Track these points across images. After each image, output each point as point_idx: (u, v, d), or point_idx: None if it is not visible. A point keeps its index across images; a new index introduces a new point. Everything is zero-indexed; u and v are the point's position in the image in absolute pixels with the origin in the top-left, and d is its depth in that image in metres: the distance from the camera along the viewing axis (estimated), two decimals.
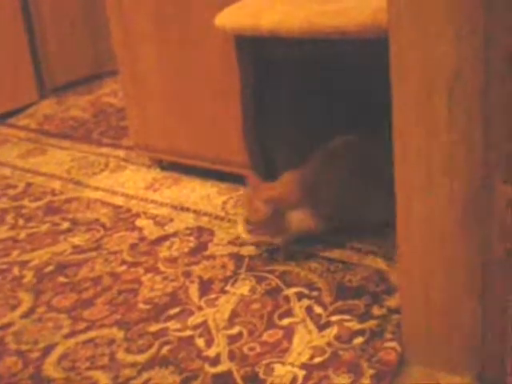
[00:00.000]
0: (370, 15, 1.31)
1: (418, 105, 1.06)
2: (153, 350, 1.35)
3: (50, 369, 1.33)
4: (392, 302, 1.40)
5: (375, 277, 1.50)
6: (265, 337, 1.35)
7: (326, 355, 1.28)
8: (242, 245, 1.68)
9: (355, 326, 1.35)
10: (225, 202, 1.93)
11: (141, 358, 1.34)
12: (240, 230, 1.60)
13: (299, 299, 1.45)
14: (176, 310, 1.47)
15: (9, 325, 1.48)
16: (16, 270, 1.70)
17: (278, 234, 1.60)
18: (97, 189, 2.13)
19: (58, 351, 1.38)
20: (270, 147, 1.75)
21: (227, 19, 1.55)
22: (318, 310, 1.41)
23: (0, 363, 1.36)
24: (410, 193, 1.13)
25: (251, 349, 1.32)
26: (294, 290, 1.49)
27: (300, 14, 1.41)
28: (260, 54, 1.59)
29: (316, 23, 1.37)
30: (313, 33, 1.39)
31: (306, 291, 1.48)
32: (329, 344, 1.31)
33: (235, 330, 1.38)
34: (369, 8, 1.32)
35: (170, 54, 1.98)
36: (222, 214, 1.87)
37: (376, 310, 1.39)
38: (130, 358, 1.34)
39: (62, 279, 1.64)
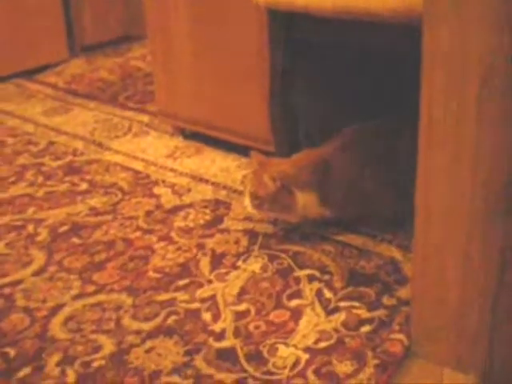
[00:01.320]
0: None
1: (447, 93, 1.03)
2: (159, 319, 1.35)
3: (55, 329, 1.34)
4: (403, 292, 1.38)
5: (388, 265, 1.48)
6: (272, 316, 1.35)
7: (332, 341, 1.27)
8: (257, 221, 1.67)
9: (364, 313, 1.34)
10: (245, 177, 1.91)
11: (146, 325, 1.34)
12: (246, 203, 1.58)
13: (310, 281, 1.44)
14: (186, 281, 1.47)
15: (19, 282, 1.49)
16: (31, 228, 1.70)
17: (283, 212, 1.57)
18: (118, 152, 2.13)
19: (66, 312, 1.39)
20: (294, 125, 1.73)
21: None
22: (327, 294, 1.40)
23: (6, 319, 1.37)
24: (432, 183, 1.11)
25: (257, 327, 1.32)
26: (305, 271, 1.48)
27: None
28: (292, 30, 1.56)
29: (349, 4, 1.34)
30: (345, 13, 1.36)
31: (317, 274, 1.46)
32: (335, 329, 1.30)
33: (243, 307, 1.38)
34: None
35: (201, 24, 1.95)
36: (241, 188, 1.85)
37: (386, 300, 1.37)
38: (136, 325, 1.34)
39: (75, 240, 1.64)
